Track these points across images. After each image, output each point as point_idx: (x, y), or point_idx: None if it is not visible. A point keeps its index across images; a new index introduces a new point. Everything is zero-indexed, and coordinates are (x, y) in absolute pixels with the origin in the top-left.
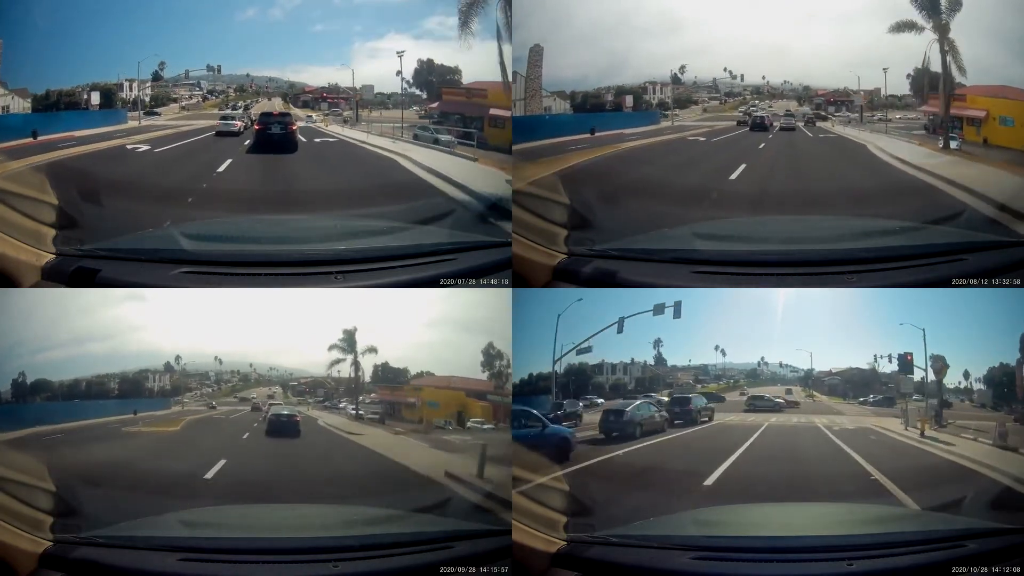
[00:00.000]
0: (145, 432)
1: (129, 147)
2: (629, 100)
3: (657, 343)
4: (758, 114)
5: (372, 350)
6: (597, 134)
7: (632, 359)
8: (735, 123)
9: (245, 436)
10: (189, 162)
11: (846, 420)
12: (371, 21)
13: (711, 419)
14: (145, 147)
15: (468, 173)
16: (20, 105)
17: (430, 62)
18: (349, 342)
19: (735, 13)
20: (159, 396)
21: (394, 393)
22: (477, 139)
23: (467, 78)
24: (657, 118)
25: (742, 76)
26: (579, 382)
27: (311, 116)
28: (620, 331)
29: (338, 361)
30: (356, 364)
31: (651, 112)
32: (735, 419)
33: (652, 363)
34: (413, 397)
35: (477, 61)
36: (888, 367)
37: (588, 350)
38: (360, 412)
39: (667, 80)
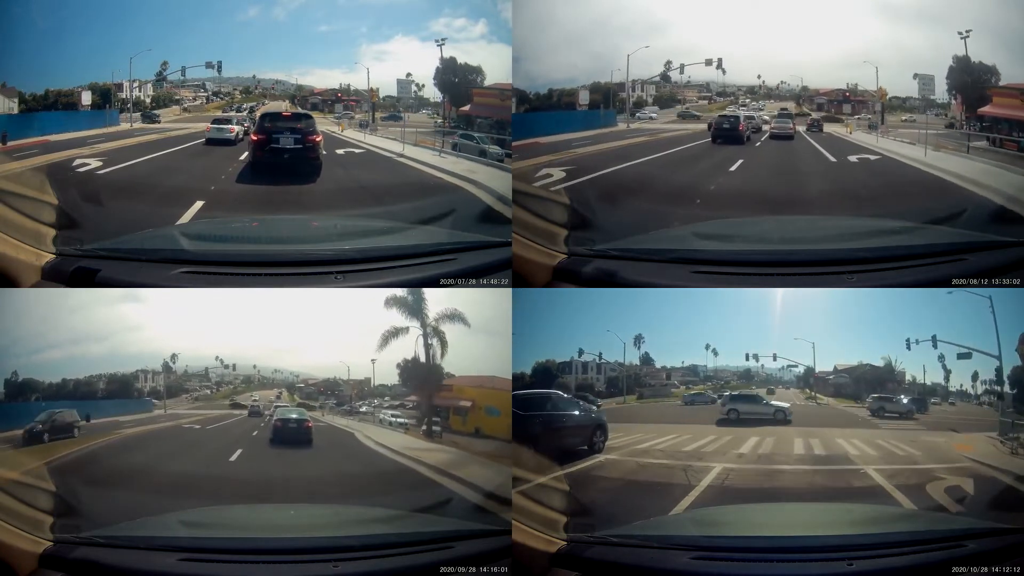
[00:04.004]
0: None
1: (76, 163)
2: (583, 97)
3: (639, 340)
4: (726, 115)
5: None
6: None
7: (598, 354)
8: (708, 126)
9: None
10: (137, 197)
11: (914, 450)
12: (376, 22)
13: (595, 447)
14: (96, 163)
15: None
16: (5, 105)
17: (452, 60)
18: (415, 309)
19: (728, 9)
20: (149, 397)
21: (440, 395)
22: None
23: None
24: (613, 119)
25: (719, 61)
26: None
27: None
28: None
29: (397, 331)
30: (427, 344)
31: (596, 113)
32: (665, 447)
33: (637, 362)
34: (466, 400)
35: (486, 62)
36: (910, 362)
37: None
38: (428, 426)
39: (658, 78)
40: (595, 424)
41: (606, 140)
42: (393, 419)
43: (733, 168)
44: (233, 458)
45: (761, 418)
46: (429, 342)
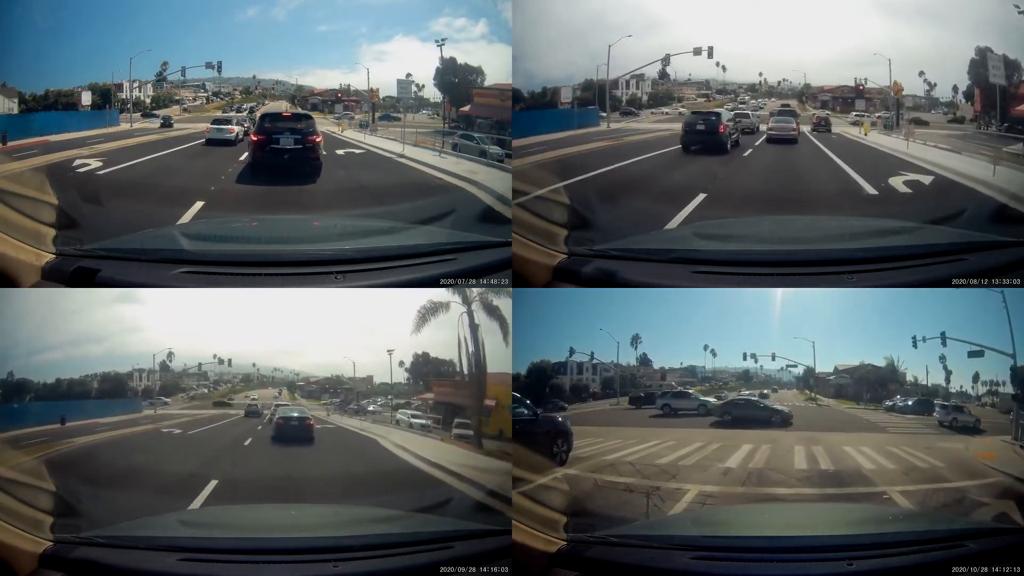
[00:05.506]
0: None
1: (76, 163)
2: (566, 95)
3: (635, 340)
4: (700, 113)
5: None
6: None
7: (590, 354)
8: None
9: None
10: (137, 197)
11: (936, 460)
12: (376, 22)
13: (556, 458)
14: (96, 163)
15: None
16: (5, 105)
17: (452, 60)
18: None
19: (728, 5)
20: (143, 397)
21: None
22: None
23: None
24: (593, 119)
25: (710, 50)
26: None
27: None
28: None
29: (436, 307)
30: (472, 324)
31: (571, 112)
32: (635, 459)
33: (634, 363)
34: (490, 400)
35: (486, 63)
36: (911, 363)
37: None
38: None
39: (655, 74)
40: (556, 432)
41: (562, 146)
42: (414, 420)
43: (675, 222)
44: (197, 503)
45: (968, 426)
46: (475, 322)
